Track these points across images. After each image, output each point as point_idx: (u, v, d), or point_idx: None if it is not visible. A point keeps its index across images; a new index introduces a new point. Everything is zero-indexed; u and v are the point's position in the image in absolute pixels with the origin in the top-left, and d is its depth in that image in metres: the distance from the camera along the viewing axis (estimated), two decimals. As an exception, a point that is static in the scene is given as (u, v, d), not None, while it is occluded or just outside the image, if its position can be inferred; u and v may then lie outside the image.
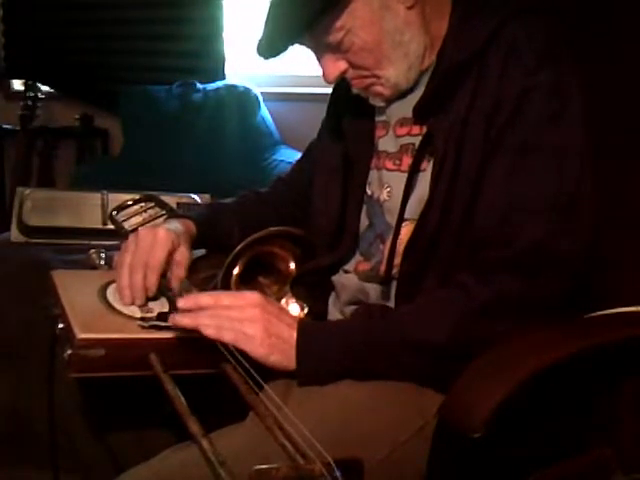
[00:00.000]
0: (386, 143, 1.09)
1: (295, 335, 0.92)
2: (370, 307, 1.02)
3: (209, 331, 0.89)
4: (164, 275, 1.06)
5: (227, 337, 0.89)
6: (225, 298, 0.94)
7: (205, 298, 0.93)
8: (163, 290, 1.05)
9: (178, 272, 1.07)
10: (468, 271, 0.93)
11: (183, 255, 1.09)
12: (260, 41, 1.01)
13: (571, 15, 1.12)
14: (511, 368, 0.85)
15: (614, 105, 1.13)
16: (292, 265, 1.19)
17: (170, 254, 1.06)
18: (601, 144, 1.04)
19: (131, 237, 1.08)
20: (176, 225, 1.13)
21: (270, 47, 1.00)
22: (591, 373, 0.97)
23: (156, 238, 1.06)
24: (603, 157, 1.04)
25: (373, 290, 1.05)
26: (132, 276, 1.02)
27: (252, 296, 0.94)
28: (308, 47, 1.02)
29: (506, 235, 0.92)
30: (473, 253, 0.94)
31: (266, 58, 1.01)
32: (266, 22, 1.00)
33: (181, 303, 0.92)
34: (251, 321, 0.91)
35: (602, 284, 1.06)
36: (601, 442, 1.03)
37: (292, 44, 0.99)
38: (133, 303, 1.00)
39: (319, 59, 1.03)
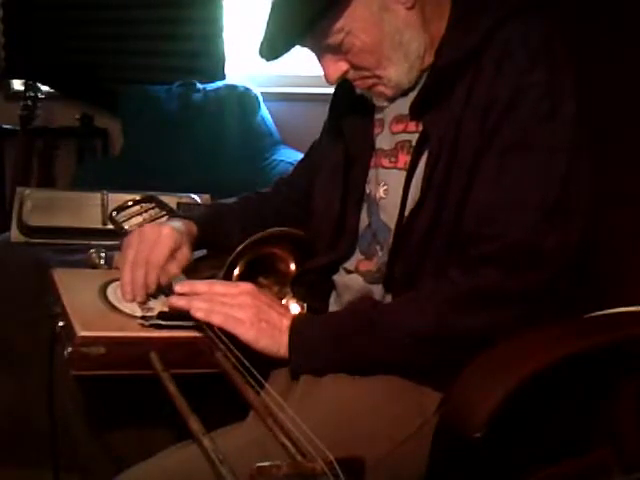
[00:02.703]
0: (382, 141, 1.09)
1: (285, 322, 0.95)
2: (361, 298, 1.05)
3: (199, 314, 0.93)
4: (176, 277, 1.06)
5: (216, 320, 0.92)
6: (219, 286, 0.99)
7: (200, 285, 0.99)
8: (164, 289, 1.05)
9: (171, 269, 1.07)
10: (455, 265, 0.95)
11: (184, 255, 1.10)
12: (261, 43, 1.01)
13: (571, 14, 1.13)
14: (511, 368, 0.85)
15: (614, 104, 1.13)
16: (292, 266, 1.19)
17: (172, 253, 1.07)
18: (601, 143, 1.04)
19: (135, 232, 1.08)
20: (179, 225, 1.13)
21: (271, 49, 1.01)
22: (591, 373, 0.97)
23: (160, 235, 1.06)
24: (603, 157, 1.04)
25: (377, 290, 1.06)
26: (134, 272, 1.02)
27: (245, 285, 0.99)
28: (309, 48, 1.03)
29: (492, 232, 0.93)
30: (461, 248, 0.95)
31: (268, 60, 1.02)
32: (267, 24, 1.01)
33: (177, 287, 0.98)
34: (241, 306, 0.94)
35: (602, 284, 1.06)
36: (601, 442, 1.03)
37: (293, 46, 0.99)
38: (134, 300, 1.01)
39: (320, 60, 1.03)
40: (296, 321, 0.96)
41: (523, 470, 0.95)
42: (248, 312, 0.94)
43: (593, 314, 1.01)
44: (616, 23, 1.15)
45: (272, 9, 1.00)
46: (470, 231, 0.94)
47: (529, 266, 0.92)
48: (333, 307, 1.14)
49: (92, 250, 1.20)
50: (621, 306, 1.02)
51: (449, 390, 0.86)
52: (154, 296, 1.03)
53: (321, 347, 0.94)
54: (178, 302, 0.95)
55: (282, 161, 2.55)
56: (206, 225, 1.20)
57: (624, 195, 1.12)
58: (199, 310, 0.93)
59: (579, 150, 0.95)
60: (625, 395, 1.02)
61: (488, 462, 0.91)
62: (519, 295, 0.92)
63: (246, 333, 0.93)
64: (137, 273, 1.02)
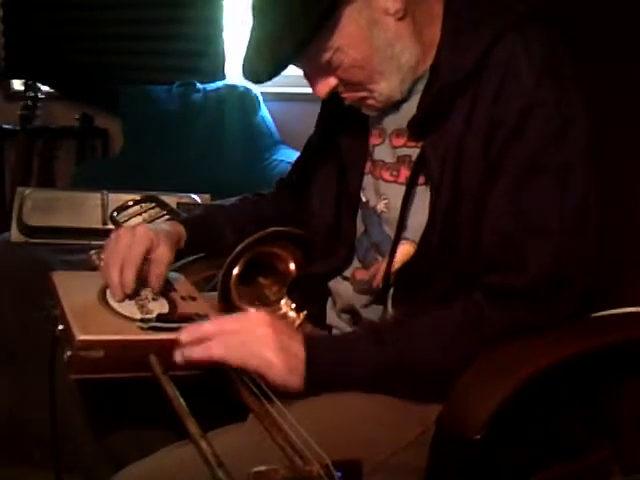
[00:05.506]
0: (382, 152, 1.06)
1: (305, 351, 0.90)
2: (380, 327, 0.98)
3: (233, 361, 0.86)
4: (159, 275, 1.06)
5: (252, 365, 0.87)
6: (228, 323, 0.91)
7: (208, 327, 0.90)
8: (162, 290, 1.05)
9: (157, 270, 1.05)
10: (482, 294, 0.92)
11: (163, 254, 1.06)
12: (246, 65, 0.98)
13: (570, 17, 1.12)
14: (511, 369, 0.85)
15: (614, 105, 1.12)
16: (292, 266, 1.19)
17: (148, 251, 1.04)
18: (601, 144, 1.04)
19: (112, 235, 1.07)
20: (161, 226, 1.13)
21: (259, 73, 0.97)
22: (591, 374, 0.97)
23: (134, 236, 1.04)
24: (603, 158, 1.04)
25: (365, 300, 1.05)
26: (110, 272, 1.01)
27: (256, 316, 0.92)
28: (296, 66, 0.99)
29: (515, 259, 0.91)
30: (483, 274, 0.93)
31: (255, 83, 0.99)
32: (250, 46, 0.97)
33: (184, 336, 0.89)
34: (264, 342, 0.88)
35: (602, 285, 1.06)
36: (601, 443, 1.03)
37: (282, 70, 0.95)
38: (118, 300, 0.99)
39: (308, 76, 1.00)
40: (310, 360, 0.89)
41: (523, 471, 0.95)
42: (274, 348, 0.87)
43: (594, 315, 1.01)
44: (616, 24, 1.15)
45: (255, 30, 0.97)
46: (490, 257, 0.93)
47: (560, 296, 0.92)
48: (330, 313, 1.13)
49: (92, 251, 1.20)
50: (621, 306, 1.02)
51: (449, 392, 0.86)
52: (153, 298, 1.03)
53: (337, 390, 0.91)
54: (193, 355, 0.87)
55: (282, 161, 2.55)
56: (194, 226, 1.19)
57: (624, 195, 1.11)
58: (229, 358, 0.86)
59: (589, 163, 0.94)
60: (625, 396, 1.02)
61: (488, 464, 0.91)
62: (552, 326, 0.92)
63: (280, 376, 0.87)
64: (113, 272, 1.00)
